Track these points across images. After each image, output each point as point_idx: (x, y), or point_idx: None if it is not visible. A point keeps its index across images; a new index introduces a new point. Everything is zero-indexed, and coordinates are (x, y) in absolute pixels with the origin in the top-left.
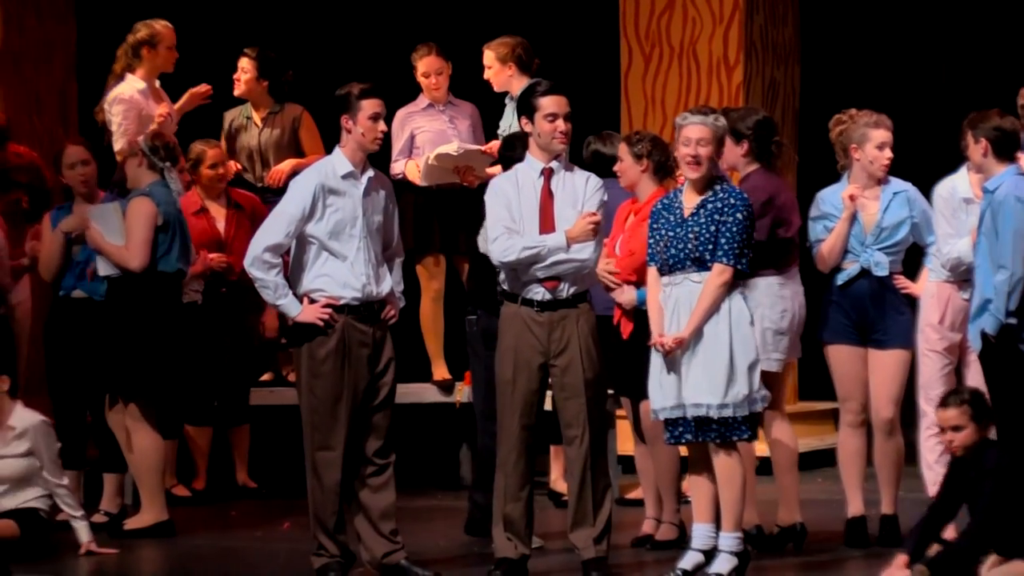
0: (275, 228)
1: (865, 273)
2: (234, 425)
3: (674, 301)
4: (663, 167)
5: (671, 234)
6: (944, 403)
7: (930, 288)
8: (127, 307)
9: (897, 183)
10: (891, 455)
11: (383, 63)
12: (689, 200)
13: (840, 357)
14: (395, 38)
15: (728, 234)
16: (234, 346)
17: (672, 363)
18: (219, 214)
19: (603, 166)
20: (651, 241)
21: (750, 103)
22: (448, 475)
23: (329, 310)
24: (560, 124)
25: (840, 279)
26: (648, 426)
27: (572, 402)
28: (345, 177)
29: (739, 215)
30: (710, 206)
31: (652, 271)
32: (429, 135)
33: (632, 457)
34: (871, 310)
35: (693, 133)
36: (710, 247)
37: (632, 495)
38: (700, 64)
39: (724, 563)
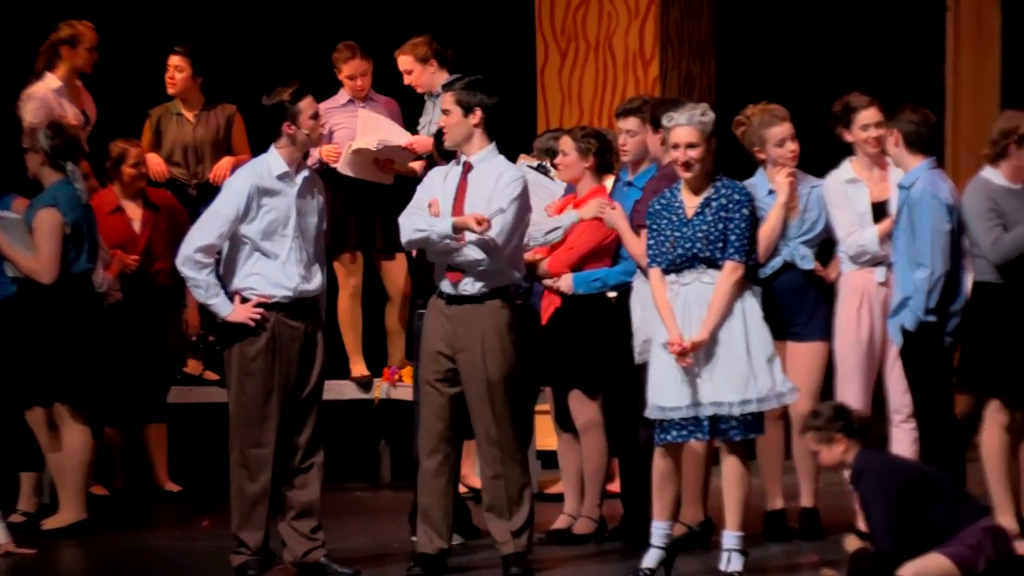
0: (209, 228)
1: (788, 267)
2: (149, 423)
3: (683, 300)
4: (606, 164)
5: (677, 234)
6: (800, 430)
7: (845, 279)
8: (40, 309)
9: (813, 179)
10: (809, 446)
11: (297, 59)
12: (689, 199)
13: None
14: (308, 35)
15: (737, 231)
16: (149, 345)
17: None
18: (135, 214)
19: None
20: (652, 242)
21: (667, 97)
22: (367, 471)
23: (260, 310)
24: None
25: (763, 273)
26: (578, 416)
27: (475, 399)
28: (280, 177)
29: (745, 211)
30: (715, 204)
31: (655, 272)
32: (347, 131)
33: (552, 452)
34: (792, 304)
35: (681, 137)
36: (720, 245)
37: (552, 490)
38: (616, 58)
39: (737, 562)
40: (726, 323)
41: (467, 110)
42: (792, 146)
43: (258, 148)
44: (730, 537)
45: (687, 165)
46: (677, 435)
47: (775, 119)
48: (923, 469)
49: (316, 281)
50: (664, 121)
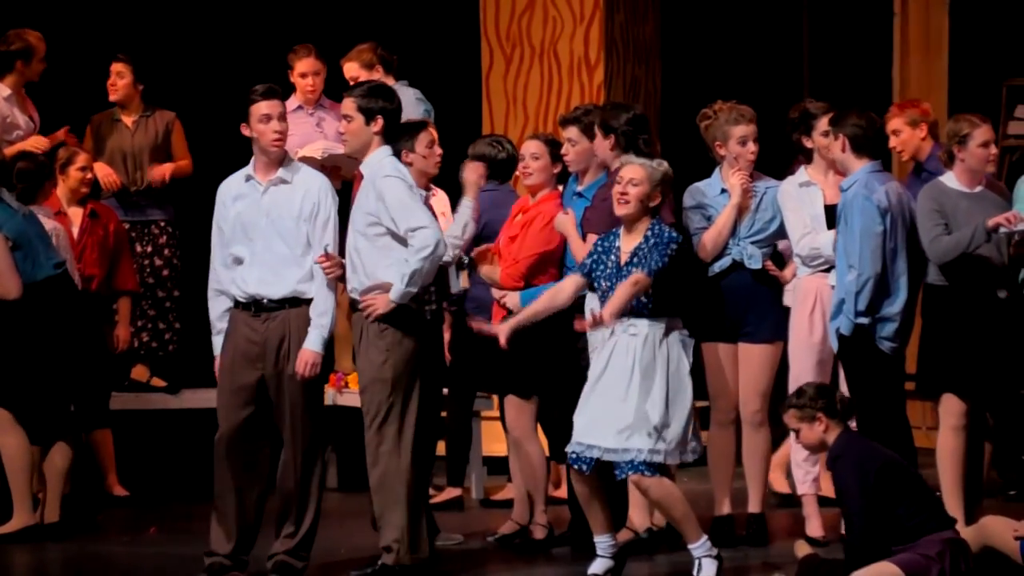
0: (213, 244)
1: (737, 266)
2: (94, 429)
3: (610, 349)
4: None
5: (608, 284)
6: (783, 408)
7: (798, 283)
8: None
9: (768, 180)
10: (757, 450)
11: (241, 67)
12: (625, 244)
13: (712, 354)
14: (253, 43)
15: (657, 256)
16: (88, 351)
17: (605, 405)
18: (76, 219)
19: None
20: (588, 262)
21: (612, 101)
22: None
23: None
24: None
25: (712, 271)
26: (512, 424)
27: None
28: (247, 180)
29: (672, 246)
30: (643, 251)
31: (574, 277)
32: (296, 138)
33: (497, 458)
34: (742, 304)
35: (626, 173)
36: (644, 294)
37: (498, 496)
38: (561, 63)
39: (709, 568)
40: (650, 371)
41: (369, 117)
42: (753, 147)
43: (202, 154)
44: (696, 548)
45: (623, 200)
46: (576, 460)
47: (742, 118)
48: (902, 463)
49: (288, 283)
50: (622, 158)
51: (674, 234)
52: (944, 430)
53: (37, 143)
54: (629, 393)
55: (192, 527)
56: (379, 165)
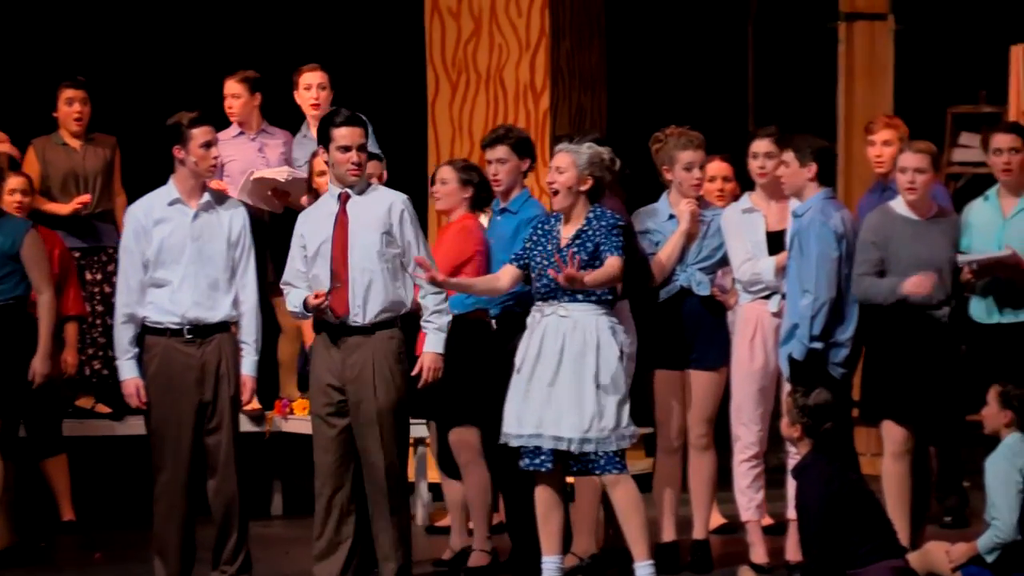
0: (122, 270)
1: (685, 293)
2: (47, 457)
3: (542, 330)
4: (481, 200)
5: (545, 262)
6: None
7: (739, 310)
8: None
9: (716, 207)
10: (703, 475)
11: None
12: (566, 231)
13: (659, 381)
14: (196, 69)
15: (611, 239)
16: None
17: (533, 390)
18: None
19: None
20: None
21: (557, 129)
22: (258, 505)
23: (137, 401)
24: (353, 155)
25: (660, 297)
26: (458, 453)
27: (368, 430)
28: (171, 204)
29: (619, 225)
30: (585, 235)
31: (509, 268)
32: (238, 164)
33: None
34: (690, 329)
35: (552, 161)
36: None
37: (442, 523)
38: (507, 90)
39: None
40: (579, 358)
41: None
42: (698, 174)
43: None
44: (641, 568)
45: (553, 190)
46: (529, 463)
47: (690, 143)
48: (864, 488)
49: (222, 308)
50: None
51: (616, 217)
52: (886, 456)
53: None
54: (560, 379)
55: (138, 554)
56: (375, 191)
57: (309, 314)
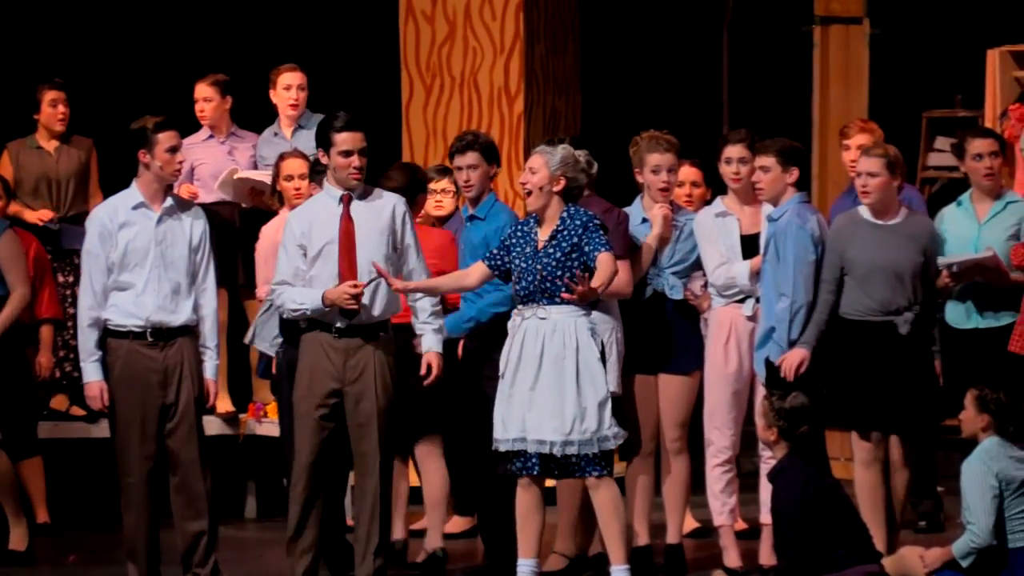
0: (85, 272)
1: (658, 297)
2: (23, 459)
3: (522, 334)
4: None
5: (524, 265)
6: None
7: (713, 314)
8: None
9: (688, 211)
10: (676, 478)
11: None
12: (543, 233)
13: (632, 386)
14: (177, 69)
15: (594, 235)
16: (14, 379)
17: (516, 395)
18: None
19: None
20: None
21: (532, 132)
22: (232, 508)
23: (100, 403)
24: (355, 160)
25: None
26: (421, 460)
27: (367, 430)
28: (136, 208)
29: (595, 221)
30: (560, 235)
31: (480, 265)
32: (209, 167)
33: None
34: (662, 335)
35: (527, 163)
36: (558, 274)
37: (417, 525)
38: (481, 94)
39: None
40: (559, 360)
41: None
42: (664, 177)
43: (111, 182)
44: (617, 572)
45: (526, 191)
46: (521, 466)
47: (659, 146)
48: (840, 492)
49: (184, 312)
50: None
51: (590, 215)
52: (856, 465)
53: None
54: (541, 383)
55: (113, 556)
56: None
57: (310, 311)
